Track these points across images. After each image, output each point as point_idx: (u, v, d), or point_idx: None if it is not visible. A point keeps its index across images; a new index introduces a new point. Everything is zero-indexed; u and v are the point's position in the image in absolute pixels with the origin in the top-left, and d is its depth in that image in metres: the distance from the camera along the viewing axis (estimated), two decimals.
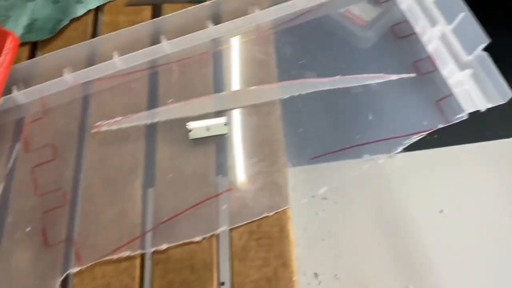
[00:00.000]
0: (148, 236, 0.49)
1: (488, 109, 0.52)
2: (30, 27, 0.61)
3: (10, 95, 0.56)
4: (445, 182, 1.07)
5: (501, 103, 0.51)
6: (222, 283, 0.48)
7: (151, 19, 0.62)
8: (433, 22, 0.56)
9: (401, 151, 0.50)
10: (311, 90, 0.56)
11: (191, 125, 0.54)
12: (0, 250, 0.49)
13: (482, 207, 1.04)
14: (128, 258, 0.48)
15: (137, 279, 0.47)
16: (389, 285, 0.98)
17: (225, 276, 0.48)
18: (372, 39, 0.60)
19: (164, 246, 0.48)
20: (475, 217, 1.03)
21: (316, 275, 0.99)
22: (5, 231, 0.50)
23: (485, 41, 0.52)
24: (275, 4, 0.59)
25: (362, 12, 0.63)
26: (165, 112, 0.56)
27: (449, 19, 0.55)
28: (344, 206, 1.05)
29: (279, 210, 0.49)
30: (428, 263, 1.00)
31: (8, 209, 0.51)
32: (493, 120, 1.09)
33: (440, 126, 0.53)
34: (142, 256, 0.48)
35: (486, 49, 0.52)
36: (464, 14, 0.53)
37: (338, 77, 0.56)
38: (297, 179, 0.56)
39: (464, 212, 1.04)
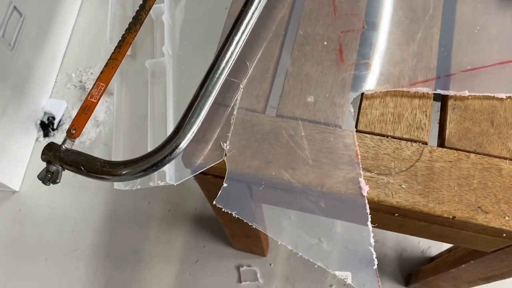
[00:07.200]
0: (445, 80, 0.47)
1: None
2: None
3: None
4: None
5: None
6: None
7: None
8: None
9: None
10: None
11: None
12: (292, 58, 0.49)
13: None
14: (423, 96, 0.46)
15: (429, 117, 0.46)
16: None
17: None
18: None
19: (465, 93, 0.46)
20: None
21: None
22: (296, 41, 0.50)
23: None
24: None
25: None
26: None
27: None
28: None
29: None
30: None
31: (299, 23, 0.51)
32: None
33: None
34: (436, 99, 0.47)
35: None
36: None
37: None
38: None
39: None
